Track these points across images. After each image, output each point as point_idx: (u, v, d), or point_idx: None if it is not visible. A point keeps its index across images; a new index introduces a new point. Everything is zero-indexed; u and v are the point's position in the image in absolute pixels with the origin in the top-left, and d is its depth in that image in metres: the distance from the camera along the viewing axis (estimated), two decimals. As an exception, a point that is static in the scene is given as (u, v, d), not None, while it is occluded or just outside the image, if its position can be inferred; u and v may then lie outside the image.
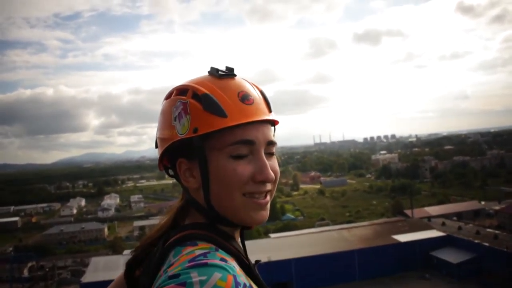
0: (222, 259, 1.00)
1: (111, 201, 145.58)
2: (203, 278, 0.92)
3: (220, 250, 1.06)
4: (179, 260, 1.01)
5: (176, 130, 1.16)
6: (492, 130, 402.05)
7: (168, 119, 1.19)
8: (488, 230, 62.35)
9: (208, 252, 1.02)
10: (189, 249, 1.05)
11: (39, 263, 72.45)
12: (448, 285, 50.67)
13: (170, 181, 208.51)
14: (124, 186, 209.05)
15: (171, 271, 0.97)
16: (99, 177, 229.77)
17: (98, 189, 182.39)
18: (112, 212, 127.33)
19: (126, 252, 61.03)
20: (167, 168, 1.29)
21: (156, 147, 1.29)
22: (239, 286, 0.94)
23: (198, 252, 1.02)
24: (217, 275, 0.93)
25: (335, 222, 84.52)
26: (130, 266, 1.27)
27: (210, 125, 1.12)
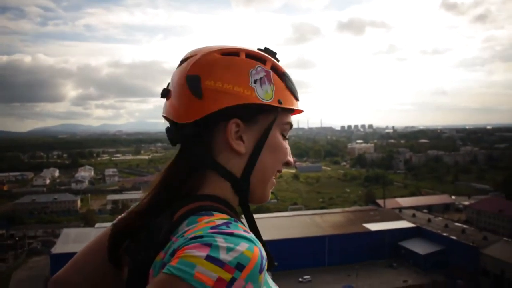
0: (245, 231, 0.94)
1: (85, 173, 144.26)
2: (230, 245, 0.87)
3: (240, 222, 1.02)
4: (197, 227, 0.95)
5: (257, 93, 1.10)
6: (468, 127, 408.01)
7: (244, 78, 1.11)
8: (457, 224, 63.69)
9: (230, 223, 0.96)
10: (206, 218, 0.99)
11: (9, 232, 71.87)
12: (414, 274, 51.79)
13: (146, 156, 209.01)
14: (99, 159, 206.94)
15: (191, 234, 0.92)
16: (74, 149, 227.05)
17: (72, 160, 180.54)
18: (85, 184, 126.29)
19: (99, 225, 60.85)
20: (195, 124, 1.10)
21: (162, 96, 1.20)
22: (263, 260, 0.89)
23: (218, 222, 0.96)
24: (244, 245, 0.88)
25: (308, 207, 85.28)
26: (118, 238, 1.14)
27: (290, 103, 1.16)
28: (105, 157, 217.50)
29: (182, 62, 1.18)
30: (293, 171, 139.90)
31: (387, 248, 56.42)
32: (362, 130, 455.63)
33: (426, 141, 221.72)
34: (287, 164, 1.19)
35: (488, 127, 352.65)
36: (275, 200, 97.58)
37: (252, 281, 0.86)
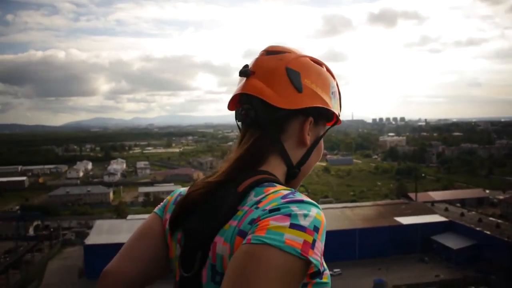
0: (308, 198, 1.08)
1: (118, 166, 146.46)
2: (305, 211, 1.01)
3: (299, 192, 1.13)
4: (268, 198, 1.08)
5: (332, 103, 1.33)
6: (503, 120, 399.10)
7: (328, 88, 1.33)
8: (491, 218, 62.53)
9: (294, 192, 1.10)
10: (271, 189, 1.12)
11: (44, 223, 73.60)
12: (446, 269, 51.13)
13: (177, 149, 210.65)
14: (131, 152, 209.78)
15: (266, 205, 1.05)
16: (107, 142, 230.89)
17: (105, 153, 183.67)
18: (118, 177, 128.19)
19: (131, 217, 61.85)
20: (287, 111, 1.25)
21: (243, 74, 1.30)
22: (325, 223, 1.05)
23: (285, 192, 1.09)
24: (314, 210, 1.04)
25: (338, 200, 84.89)
26: (184, 210, 1.24)
27: (339, 117, 1.40)
28: (137, 150, 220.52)
29: (270, 52, 1.31)
30: (324, 164, 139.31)
31: (419, 242, 55.83)
32: (394, 123, 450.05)
33: (460, 134, 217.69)
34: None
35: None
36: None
37: (323, 240, 1.04)
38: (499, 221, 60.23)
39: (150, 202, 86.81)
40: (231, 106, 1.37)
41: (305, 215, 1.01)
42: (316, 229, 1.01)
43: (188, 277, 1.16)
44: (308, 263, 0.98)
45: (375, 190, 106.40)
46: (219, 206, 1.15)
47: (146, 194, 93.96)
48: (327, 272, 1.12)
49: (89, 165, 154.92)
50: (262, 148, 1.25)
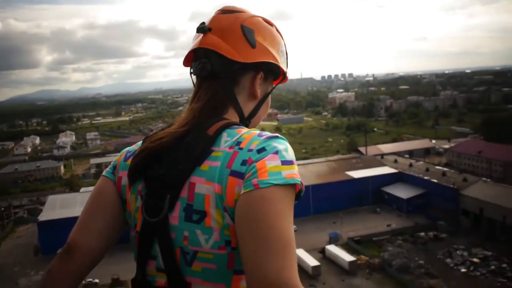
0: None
1: (67, 139, 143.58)
2: (284, 146, 1.20)
3: None
4: (246, 137, 1.22)
5: (280, 60, 1.47)
6: (447, 72, 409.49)
7: (278, 46, 1.48)
8: (437, 167, 64.91)
9: (262, 130, 1.29)
10: (243, 130, 1.26)
11: (-6, 202, 71.61)
12: (397, 218, 53.07)
13: (127, 118, 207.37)
14: (79, 123, 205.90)
15: (249, 145, 1.19)
16: (54, 115, 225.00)
17: (52, 127, 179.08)
18: (67, 150, 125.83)
19: (84, 189, 60.89)
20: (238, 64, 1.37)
21: (201, 31, 1.40)
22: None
23: (255, 131, 1.25)
24: (286, 142, 1.23)
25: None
26: (146, 159, 1.29)
27: (286, 75, 1.55)
28: (86, 121, 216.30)
29: (225, 11, 1.44)
30: (275, 123, 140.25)
31: (371, 194, 57.55)
32: (342, 79, 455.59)
33: (406, 88, 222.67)
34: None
35: (467, 71, 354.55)
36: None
37: None
38: (445, 169, 62.62)
39: (102, 172, 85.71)
40: (186, 62, 1.47)
41: (286, 150, 1.18)
42: (294, 158, 1.20)
43: (155, 222, 1.21)
44: (296, 185, 1.15)
45: (326, 146, 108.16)
46: (190, 149, 1.23)
47: (98, 165, 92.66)
48: None
49: (37, 140, 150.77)
50: (221, 100, 1.36)
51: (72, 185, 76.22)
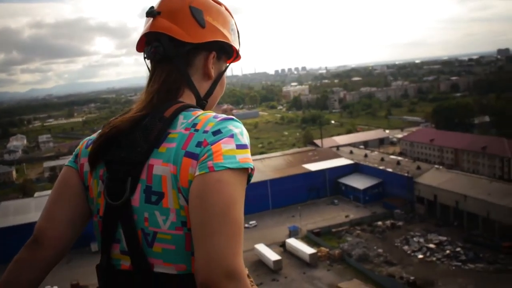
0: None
1: (18, 142, 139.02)
2: (239, 130, 1.23)
3: None
4: (201, 119, 1.26)
5: (231, 39, 1.50)
6: (397, 63, 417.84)
7: (228, 25, 1.51)
8: (392, 157, 66.16)
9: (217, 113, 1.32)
10: (198, 112, 1.30)
11: None
12: (355, 208, 53.84)
13: (80, 118, 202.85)
14: (30, 126, 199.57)
15: (205, 127, 1.23)
16: (3, 118, 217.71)
17: (2, 130, 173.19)
18: (19, 154, 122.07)
19: (38, 194, 59.25)
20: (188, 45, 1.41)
21: (150, 15, 1.42)
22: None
23: (211, 113, 1.30)
24: (241, 125, 1.26)
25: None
26: (105, 144, 1.33)
27: (239, 53, 1.59)
28: (37, 123, 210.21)
29: None
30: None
31: (328, 186, 58.11)
32: (296, 72, 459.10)
33: (359, 79, 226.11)
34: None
35: (417, 61, 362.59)
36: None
37: None
38: (399, 158, 63.91)
39: (56, 176, 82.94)
40: (139, 47, 1.50)
41: (241, 133, 1.22)
42: (248, 141, 1.24)
43: (117, 206, 1.25)
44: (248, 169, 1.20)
45: (282, 140, 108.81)
46: (148, 132, 1.27)
47: (52, 169, 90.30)
48: None
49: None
50: (176, 82, 1.39)
51: (25, 190, 74.03)
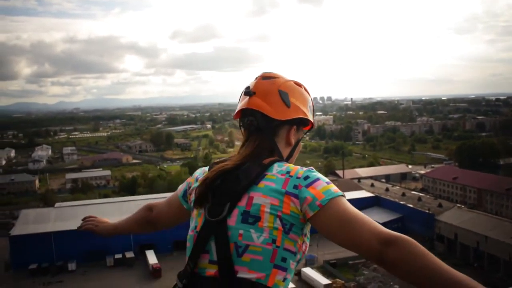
0: None
1: (43, 152, 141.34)
2: (318, 175, 1.59)
3: None
4: (293, 169, 1.61)
5: (309, 114, 1.84)
6: (424, 98, 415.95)
7: (306, 103, 1.85)
8: (413, 192, 65.56)
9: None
10: (288, 164, 1.67)
11: (-35, 215, 70.13)
12: (373, 242, 53.27)
13: (105, 133, 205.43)
14: (56, 137, 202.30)
15: (297, 174, 1.57)
16: (30, 128, 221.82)
17: (29, 140, 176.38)
18: (43, 164, 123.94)
19: (58, 204, 59.93)
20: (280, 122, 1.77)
21: (247, 94, 1.79)
22: None
23: (297, 166, 1.65)
24: (322, 175, 1.61)
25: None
26: (208, 189, 1.65)
27: (313, 124, 1.94)
28: (63, 135, 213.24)
29: (265, 78, 1.84)
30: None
31: (347, 218, 57.69)
32: (321, 102, 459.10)
33: (384, 112, 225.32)
34: None
35: (443, 98, 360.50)
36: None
37: None
38: (420, 194, 63.30)
39: (78, 188, 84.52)
40: (235, 116, 1.85)
41: (321, 176, 1.58)
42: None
43: (214, 222, 1.57)
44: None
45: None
46: (249, 172, 1.62)
47: (74, 180, 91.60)
48: None
49: (12, 153, 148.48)
50: (265, 148, 1.74)
51: (46, 200, 75.01)
